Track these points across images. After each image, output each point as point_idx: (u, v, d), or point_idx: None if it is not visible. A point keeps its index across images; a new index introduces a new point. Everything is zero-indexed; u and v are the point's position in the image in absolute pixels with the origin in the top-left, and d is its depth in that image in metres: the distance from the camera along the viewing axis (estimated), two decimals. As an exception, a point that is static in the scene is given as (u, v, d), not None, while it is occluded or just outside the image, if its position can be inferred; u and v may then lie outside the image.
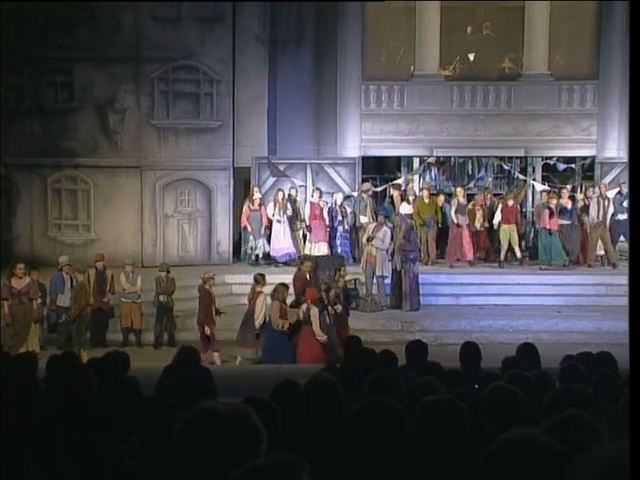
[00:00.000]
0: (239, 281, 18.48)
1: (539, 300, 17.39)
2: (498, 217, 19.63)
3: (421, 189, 20.93)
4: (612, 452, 1.89)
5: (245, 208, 19.88)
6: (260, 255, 19.76)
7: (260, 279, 14.62)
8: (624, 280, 17.58)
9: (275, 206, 19.71)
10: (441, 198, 20.34)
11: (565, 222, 19.32)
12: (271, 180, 21.00)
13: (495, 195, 21.71)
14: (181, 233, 20.73)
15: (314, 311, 13.33)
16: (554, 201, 19.21)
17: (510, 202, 19.69)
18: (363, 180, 21.43)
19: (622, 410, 4.58)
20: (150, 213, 20.53)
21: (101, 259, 15.98)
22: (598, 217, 19.53)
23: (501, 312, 16.53)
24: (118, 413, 4.37)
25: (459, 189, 20.32)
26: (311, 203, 19.71)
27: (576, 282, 18.17)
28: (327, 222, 19.59)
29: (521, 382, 5.17)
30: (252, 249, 19.79)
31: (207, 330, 14.35)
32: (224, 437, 2.50)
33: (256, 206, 19.68)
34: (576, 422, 3.05)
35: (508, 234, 19.40)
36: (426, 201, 20.04)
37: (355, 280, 17.31)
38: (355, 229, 20.08)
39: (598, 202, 19.54)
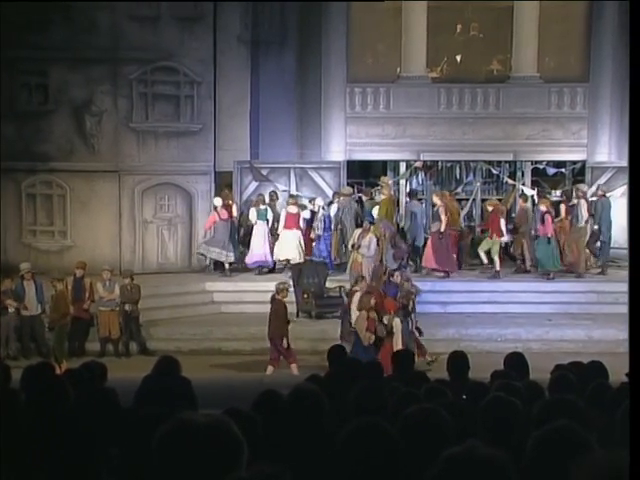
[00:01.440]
0: (220, 289, 18.48)
1: (529, 308, 17.44)
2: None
3: (384, 187, 20.40)
4: (602, 462, 1.91)
5: (213, 213, 19.90)
6: (208, 263, 19.72)
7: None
8: (615, 287, 17.70)
9: (256, 211, 19.79)
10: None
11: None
12: (254, 185, 21.00)
13: (483, 200, 21.84)
14: (161, 239, 20.68)
15: (397, 322, 13.28)
16: (550, 206, 19.17)
17: (489, 208, 19.66)
18: (348, 184, 21.48)
19: (615, 421, 4.60)
20: (128, 219, 20.47)
21: (82, 267, 15.97)
22: (571, 221, 19.46)
23: (490, 320, 16.57)
24: (96, 425, 4.36)
25: (437, 193, 20.24)
26: (288, 213, 19.60)
27: (566, 289, 18.25)
28: (302, 230, 19.53)
29: (510, 392, 5.19)
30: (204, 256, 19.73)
31: (284, 342, 14.13)
32: (204, 449, 2.50)
33: (225, 216, 19.65)
34: (566, 433, 3.07)
35: (487, 246, 19.20)
36: (381, 200, 19.87)
37: (340, 288, 17.31)
38: (340, 234, 20.06)
39: (574, 206, 19.57)
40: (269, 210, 19.85)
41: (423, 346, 14.12)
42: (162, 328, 16.44)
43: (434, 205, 19.96)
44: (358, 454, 3.21)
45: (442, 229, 18.80)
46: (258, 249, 19.60)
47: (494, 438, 4.25)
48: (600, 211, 19.75)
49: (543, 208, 19.07)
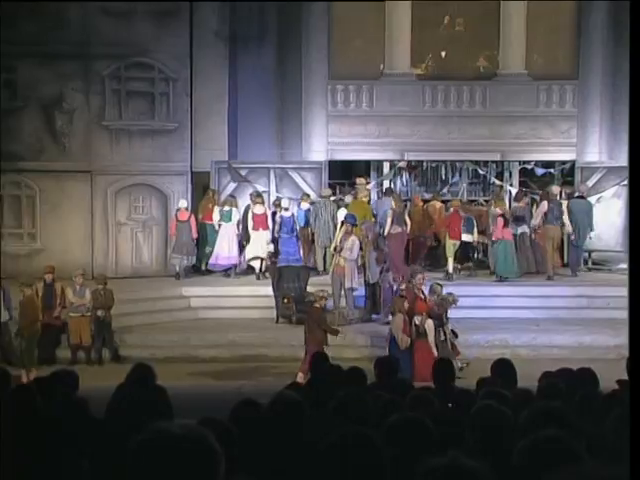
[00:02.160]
0: (197, 294, 18.44)
1: (516, 313, 17.48)
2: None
3: (360, 189, 20.39)
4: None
5: (172, 218, 19.95)
6: (178, 269, 19.71)
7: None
8: (607, 291, 17.80)
9: (219, 212, 19.75)
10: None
11: (521, 231, 19.47)
12: (232, 186, 20.98)
13: (471, 201, 21.92)
14: (135, 242, 20.62)
15: (430, 323, 13.32)
16: (505, 208, 19.33)
17: (451, 209, 19.70)
18: (330, 186, 21.50)
19: (605, 430, 4.62)
20: (101, 221, 20.40)
21: (51, 271, 15.87)
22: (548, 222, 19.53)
23: (476, 326, 16.59)
24: (66, 437, 4.34)
25: (394, 196, 20.25)
26: (254, 214, 19.65)
27: (555, 294, 18.31)
28: (271, 231, 19.59)
29: (498, 400, 5.20)
30: (179, 263, 19.77)
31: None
32: (180, 461, 2.49)
33: (184, 217, 19.70)
34: (553, 443, 3.08)
35: (452, 245, 19.24)
36: (359, 200, 19.85)
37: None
38: (310, 236, 20.10)
39: (550, 207, 19.61)
40: (234, 211, 19.81)
41: (456, 347, 14.21)
42: (136, 335, 16.38)
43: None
44: (339, 465, 3.21)
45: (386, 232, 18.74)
46: (221, 251, 19.66)
47: (483, 447, 4.26)
48: (576, 213, 19.77)
49: (498, 211, 19.26)
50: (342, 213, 19.38)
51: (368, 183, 21.75)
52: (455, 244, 19.24)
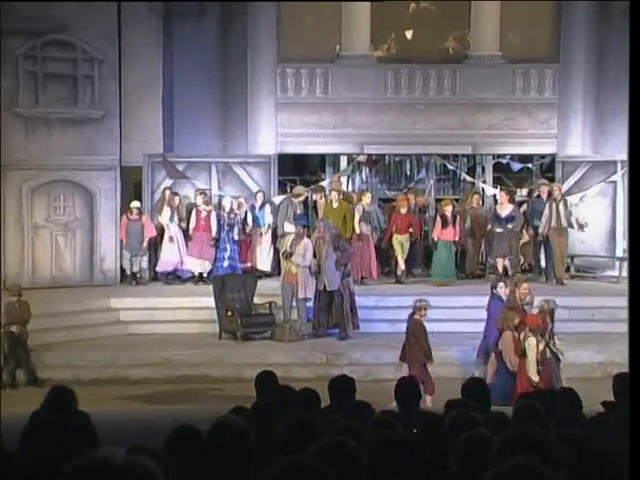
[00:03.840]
0: (128, 306, 18.35)
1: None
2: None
3: (330, 190, 20.66)
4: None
5: (123, 218, 20.16)
6: (140, 275, 19.94)
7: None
8: (591, 302, 18.00)
9: (172, 212, 19.93)
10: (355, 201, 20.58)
11: (499, 230, 19.89)
12: (167, 182, 20.92)
13: (438, 200, 22.07)
14: (55, 247, 20.46)
15: (532, 342, 13.13)
16: (449, 208, 19.87)
17: (403, 210, 20.16)
18: (280, 182, 21.52)
19: (586, 457, 4.68)
20: (15, 223, 20.20)
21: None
22: (551, 224, 19.87)
23: (447, 341, 16.67)
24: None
25: (366, 194, 20.49)
26: (197, 211, 19.81)
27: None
28: (214, 233, 19.78)
29: (467, 424, 5.25)
30: (130, 267, 20.01)
31: (427, 369, 14.01)
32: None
33: (135, 216, 19.94)
34: (526, 472, 3.10)
35: (400, 245, 20.08)
36: (334, 205, 20.04)
37: (270, 304, 17.34)
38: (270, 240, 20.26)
39: (550, 206, 19.91)
40: (182, 211, 20.03)
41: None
42: (57, 353, 16.25)
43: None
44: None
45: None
46: (165, 256, 20.15)
47: (454, 474, 4.29)
48: (538, 214, 20.21)
49: (445, 210, 19.96)
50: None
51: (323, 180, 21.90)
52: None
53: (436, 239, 19.87)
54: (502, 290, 14.74)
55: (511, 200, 20.57)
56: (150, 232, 20.22)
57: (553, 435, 5.16)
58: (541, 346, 13.20)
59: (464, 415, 5.93)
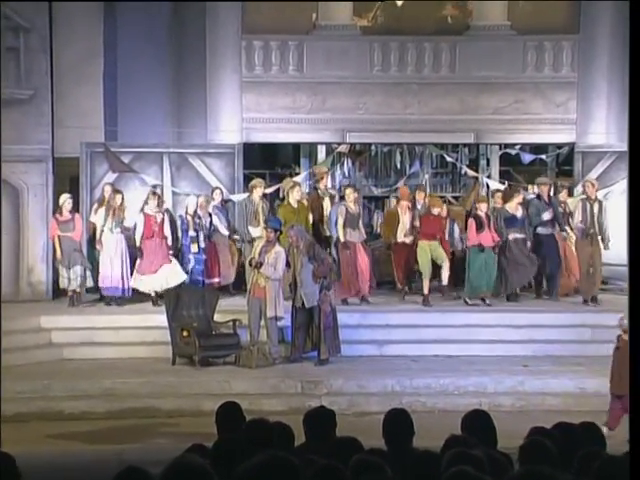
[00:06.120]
0: (62, 325, 18.31)
1: (497, 349, 17.68)
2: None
3: (292, 187, 20.11)
4: None
5: (52, 220, 19.76)
6: (78, 290, 19.63)
7: None
8: (616, 320, 18.05)
9: (108, 214, 19.47)
10: (326, 201, 20.20)
11: (518, 236, 19.68)
12: (110, 177, 20.86)
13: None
14: (-27, 255, 20.42)
15: None
16: (483, 206, 19.51)
17: (436, 211, 19.80)
18: (246, 177, 21.47)
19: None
20: None
21: None
22: (586, 227, 19.84)
23: (443, 366, 16.74)
24: None
25: (349, 190, 20.06)
26: (145, 215, 19.47)
27: (549, 323, 18.51)
28: (169, 241, 19.43)
29: (468, 465, 5.27)
30: (67, 281, 19.60)
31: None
32: None
33: (67, 215, 19.56)
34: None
35: (429, 253, 19.54)
36: (295, 206, 19.86)
37: (234, 322, 17.33)
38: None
39: (584, 207, 19.88)
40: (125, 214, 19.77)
41: None
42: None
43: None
44: None
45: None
46: (106, 270, 19.55)
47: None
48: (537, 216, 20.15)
49: (479, 209, 19.49)
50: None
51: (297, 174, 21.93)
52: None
53: (470, 245, 19.29)
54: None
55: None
56: (77, 234, 19.55)
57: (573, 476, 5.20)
58: None
59: (463, 454, 5.95)
